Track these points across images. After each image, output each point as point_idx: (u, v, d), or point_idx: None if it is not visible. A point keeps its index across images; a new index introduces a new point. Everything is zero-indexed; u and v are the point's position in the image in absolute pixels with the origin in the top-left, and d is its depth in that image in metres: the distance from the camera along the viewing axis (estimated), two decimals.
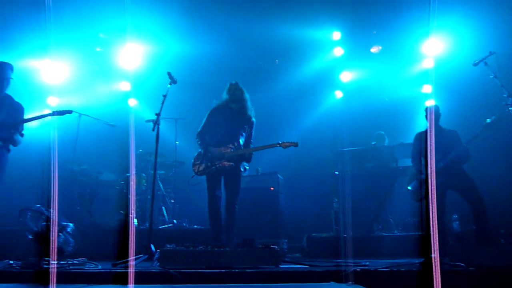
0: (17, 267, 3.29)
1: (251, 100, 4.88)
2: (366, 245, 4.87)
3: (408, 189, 4.91)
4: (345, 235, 5.21)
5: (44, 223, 3.79)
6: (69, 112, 4.39)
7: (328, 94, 7.60)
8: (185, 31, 6.96)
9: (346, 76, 7.46)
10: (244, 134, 4.64)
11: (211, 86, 6.98)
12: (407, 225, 5.55)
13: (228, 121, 4.59)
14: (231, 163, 4.46)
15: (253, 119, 4.74)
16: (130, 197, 5.81)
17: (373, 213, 5.45)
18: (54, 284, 2.76)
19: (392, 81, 7.19)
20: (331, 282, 2.78)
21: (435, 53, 6.36)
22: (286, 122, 7.35)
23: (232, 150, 4.50)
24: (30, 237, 3.75)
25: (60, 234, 3.80)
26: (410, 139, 5.13)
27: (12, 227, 4.69)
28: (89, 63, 7.61)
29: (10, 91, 4.51)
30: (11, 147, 4.37)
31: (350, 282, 2.73)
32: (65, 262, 3.44)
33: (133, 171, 6.13)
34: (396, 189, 5.55)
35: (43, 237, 3.66)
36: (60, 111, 4.32)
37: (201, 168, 4.46)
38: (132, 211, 5.65)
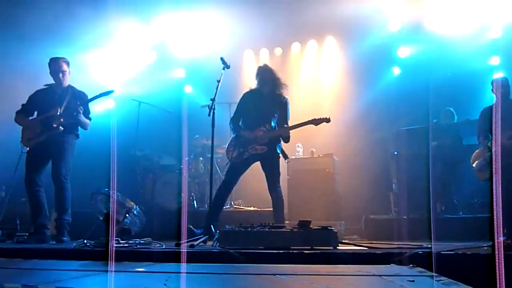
0: (90, 246, 3.56)
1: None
2: (428, 227, 4.69)
3: (473, 168, 4.64)
4: (405, 217, 5.06)
5: (113, 205, 4.06)
6: (112, 92, 4.56)
7: (385, 71, 7.30)
8: (236, 14, 6.98)
9: (403, 51, 7.11)
10: (276, 116, 4.52)
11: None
12: (474, 206, 5.25)
13: (259, 104, 4.49)
14: (264, 147, 4.37)
15: (286, 100, 4.60)
16: (183, 181, 6.03)
17: (435, 194, 5.21)
18: (113, 262, 2.95)
19: (455, 54, 6.73)
20: (392, 264, 2.72)
21: (504, 21, 5.85)
22: (341, 102, 7.18)
23: (263, 132, 4.41)
24: (101, 218, 4.03)
25: (127, 215, 4.05)
26: (476, 115, 4.82)
27: (85, 209, 5.09)
28: (146, 52, 7.90)
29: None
30: (81, 131, 4.67)
31: (411, 265, 2.65)
32: (132, 241, 3.67)
33: (185, 156, 6.34)
34: (462, 169, 5.25)
35: (112, 218, 3.92)
36: (105, 92, 4.51)
37: (234, 154, 4.41)
38: (184, 195, 5.87)
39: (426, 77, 6.69)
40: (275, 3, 6.78)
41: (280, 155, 4.52)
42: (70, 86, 4.71)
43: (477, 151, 4.71)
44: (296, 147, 6.11)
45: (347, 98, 7.19)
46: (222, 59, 4.35)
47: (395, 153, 5.65)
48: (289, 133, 4.47)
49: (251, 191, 6.25)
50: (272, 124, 4.49)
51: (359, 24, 6.98)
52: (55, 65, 4.61)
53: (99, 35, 7.07)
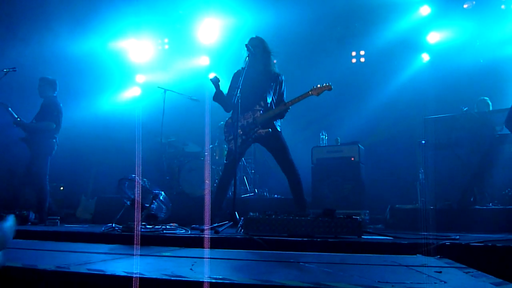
0: (118, 230, 3.66)
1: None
2: (456, 218, 4.59)
3: None
4: (432, 207, 4.96)
5: (139, 191, 4.15)
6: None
7: (414, 57, 7.12)
8: (260, 1, 6.93)
9: (433, 37, 6.92)
10: (271, 92, 4.31)
11: (289, 55, 6.92)
12: (505, 198, 5.09)
13: (252, 81, 4.18)
14: (267, 130, 4.18)
15: (282, 77, 4.40)
16: (206, 167, 6.08)
17: (464, 184, 5.07)
18: (140, 246, 3.02)
19: (488, 40, 6.48)
20: (418, 255, 2.68)
21: None
22: (368, 89, 7.06)
23: (261, 112, 4.23)
24: (128, 203, 4.13)
25: (154, 201, 4.12)
26: (510, 104, 4.63)
27: (113, 195, 5.23)
28: (171, 40, 7.96)
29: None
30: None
31: (438, 256, 2.60)
32: (159, 226, 3.75)
33: (209, 143, 6.40)
34: (494, 159, 5.08)
35: (138, 203, 4.01)
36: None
37: (238, 144, 4.10)
38: (208, 182, 5.93)
39: (456, 64, 6.49)
40: None
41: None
42: (44, 99, 5.59)
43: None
44: (321, 135, 6.06)
45: (373, 85, 7.05)
46: (247, 46, 4.29)
47: (423, 142, 5.52)
48: (288, 109, 4.29)
49: (275, 179, 6.26)
50: (268, 100, 4.29)
51: (386, 9, 6.81)
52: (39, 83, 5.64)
53: (127, 24, 7.18)
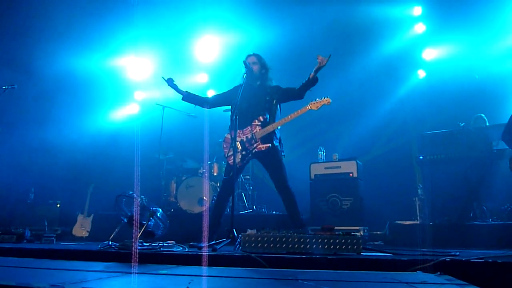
0: (115, 248, 3.62)
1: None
2: (456, 234, 4.55)
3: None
4: (431, 223, 4.93)
5: (137, 208, 4.12)
6: None
7: (410, 74, 7.19)
8: (259, 18, 7.03)
9: (429, 54, 7.00)
10: (268, 106, 4.34)
11: (286, 71, 6.97)
12: (505, 213, 5.07)
13: (249, 97, 4.26)
14: (268, 145, 4.20)
15: (279, 88, 4.41)
16: (204, 184, 6.05)
17: (463, 200, 5.06)
18: (137, 264, 2.99)
19: (483, 57, 6.56)
20: (418, 271, 2.64)
21: None
22: (366, 105, 7.10)
23: (260, 127, 4.26)
24: (125, 220, 4.09)
25: (151, 218, 4.08)
26: (505, 119, 4.65)
27: (110, 212, 5.19)
28: (170, 57, 8.04)
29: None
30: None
31: (438, 272, 2.57)
32: (156, 244, 3.71)
33: (207, 160, 6.40)
34: (492, 174, 5.08)
35: (136, 220, 3.97)
36: None
37: (238, 160, 4.14)
38: (206, 198, 5.89)
39: (452, 80, 6.55)
40: (298, 6, 6.79)
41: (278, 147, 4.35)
42: None
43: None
44: (319, 151, 6.06)
45: (370, 101, 7.10)
46: (245, 62, 4.33)
47: (421, 157, 5.52)
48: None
49: (274, 195, 6.22)
50: (266, 115, 4.33)
51: (381, 26, 6.91)
52: None
53: (125, 41, 7.24)
